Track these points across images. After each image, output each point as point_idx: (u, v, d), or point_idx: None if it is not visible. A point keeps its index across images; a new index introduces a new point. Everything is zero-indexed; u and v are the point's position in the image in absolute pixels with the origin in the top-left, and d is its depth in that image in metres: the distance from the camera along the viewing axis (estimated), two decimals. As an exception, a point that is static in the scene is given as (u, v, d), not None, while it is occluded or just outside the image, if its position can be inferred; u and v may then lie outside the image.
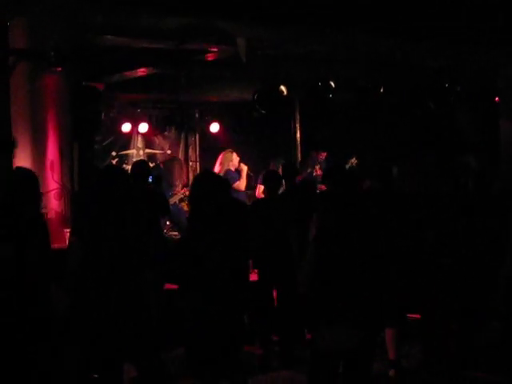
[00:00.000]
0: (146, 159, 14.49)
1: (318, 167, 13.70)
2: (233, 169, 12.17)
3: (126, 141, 14.62)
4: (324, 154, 13.88)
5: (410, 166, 12.19)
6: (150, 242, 5.99)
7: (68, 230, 7.45)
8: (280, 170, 9.68)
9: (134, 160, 14.39)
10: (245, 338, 6.18)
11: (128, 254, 5.57)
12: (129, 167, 14.15)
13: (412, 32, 10.63)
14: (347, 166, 12.87)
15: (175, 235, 10.10)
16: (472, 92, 13.47)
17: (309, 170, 13.24)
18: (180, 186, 13.50)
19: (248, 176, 12.23)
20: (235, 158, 12.23)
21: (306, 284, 5.51)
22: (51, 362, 5.64)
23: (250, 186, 12.53)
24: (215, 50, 10.45)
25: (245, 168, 12.21)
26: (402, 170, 9.53)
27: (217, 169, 12.22)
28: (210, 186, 5.88)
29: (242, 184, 12.06)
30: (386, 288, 6.20)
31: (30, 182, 5.63)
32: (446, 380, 7.43)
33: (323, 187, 13.06)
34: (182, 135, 15.60)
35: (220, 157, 12.35)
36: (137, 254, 5.63)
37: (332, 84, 11.73)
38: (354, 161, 13.23)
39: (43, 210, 8.33)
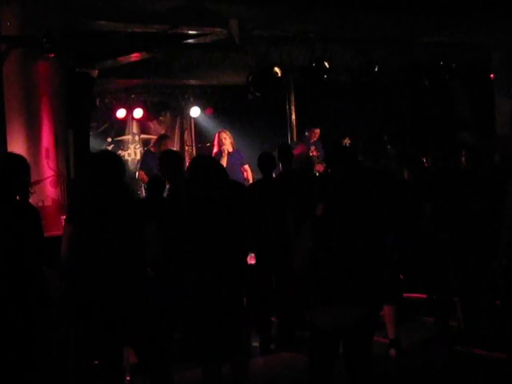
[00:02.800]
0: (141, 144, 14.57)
1: (313, 148, 13.70)
2: (230, 149, 12.22)
3: (122, 127, 14.63)
4: (318, 132, 13.88)
5: (405, 143, 12.20)
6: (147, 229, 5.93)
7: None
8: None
9: (131, 146, 14.48)
10: (244, 320, 6.17)
11: (125, 239, 5.55)
12: (124, 153, 14.19)
13: (406, 9, 10.58)
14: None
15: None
16: (467, 69, 13.44)
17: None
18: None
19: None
20: (229, 137, 12.33)
21: (301, 263, 5.51)
22: (48, 346, 5.66)
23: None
24: (208, 32, 10.39)
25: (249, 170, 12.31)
26: (397, 147, 9.54)
27: (215, 150, 12.33)
28: (205, 172, 5.90)
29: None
30: (385, 265, 6.22)
31: (19, 167, 5.62)
32: (447, 358, 7.46)
33: (320, 168, 13.16)
34: (178, 120, 15.57)
35: (216, 137, 12.45)
36: (133, 239, 5.62)
37: (326, 64, 11.69)
38: (347, 141, 13.22)
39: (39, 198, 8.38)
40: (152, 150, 13.25)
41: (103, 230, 5.47)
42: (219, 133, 12.52)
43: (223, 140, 12.32)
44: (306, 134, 14.13)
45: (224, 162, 11.78)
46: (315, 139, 13.99)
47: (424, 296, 8.65)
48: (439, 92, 14.59)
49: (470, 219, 7.61)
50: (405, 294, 8.02)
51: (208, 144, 14.49)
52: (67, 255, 5.46)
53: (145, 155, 13.02)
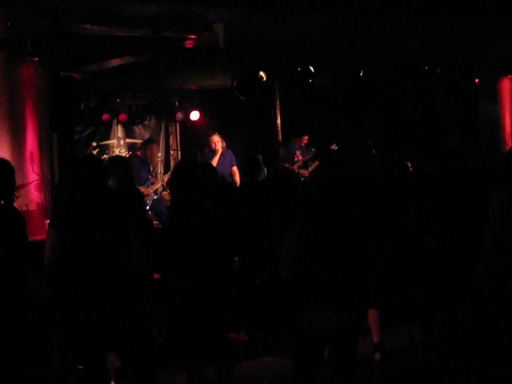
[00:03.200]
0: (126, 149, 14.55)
1: (298, 152, 13.77)
2: (221, 150, 12.31)
3: (107, 131, 14.57)
4: (306, 138, 13.94)
5: (390, 148, 12.20)
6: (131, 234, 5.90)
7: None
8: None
9: (116, 151, 14.43)
10: (229, 324, 6.15)
11: (109, 244, 5.53)
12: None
13: (390, 13, 10.58)
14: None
15: (156, 224, 10.06)
16: (452, 74, 13.48)
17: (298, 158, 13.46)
18: (160, 172, 13.54)
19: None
20: (222, 140, 12.43)
21: (286, 267, 5.51)
22: (31, 351, 5.64)
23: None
24: (193, 36, 10.37)
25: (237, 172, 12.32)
26: (383, 152, 9.55)
27: (208, 150, 12.45)
28: (189, 175, 5.88)
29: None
30: (370, 270, 6.22)
31: (3, 171, 5.60)
32: (432, 362, 7.46)
33: (305, 172, 13.21)
34: (163, 124, 15.54)
35: (210, 140, 12.53)
36: (117, 244, 5.60)
37: (311, 69, 11.70)
38: (334, 147, 13.23)
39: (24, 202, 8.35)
40: (138, 154, 13.27)
41: (87, 234, 5.46)
42: (212, 135, 12.60)
43: (216, 143, 12.42)
44: (293, 139, 14.18)
45: (215, 162, 11.91)
46: (302, 144, 14.04)
47: (407, 300, 8.65)
48: (424, 96, 14.64)
49: (454, 224, 7.61)
50: (389, 298, 8.01)
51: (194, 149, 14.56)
52: (51, 259, 5.44)
53: (130, 159, 13.00)
